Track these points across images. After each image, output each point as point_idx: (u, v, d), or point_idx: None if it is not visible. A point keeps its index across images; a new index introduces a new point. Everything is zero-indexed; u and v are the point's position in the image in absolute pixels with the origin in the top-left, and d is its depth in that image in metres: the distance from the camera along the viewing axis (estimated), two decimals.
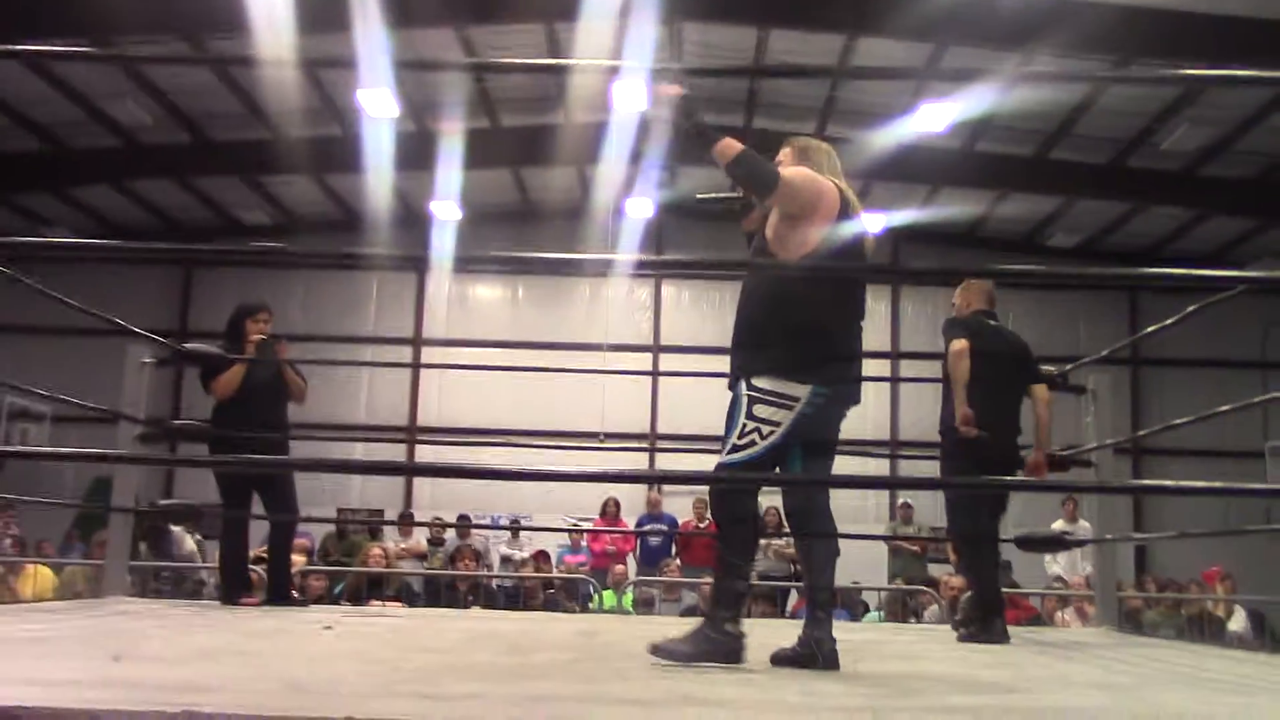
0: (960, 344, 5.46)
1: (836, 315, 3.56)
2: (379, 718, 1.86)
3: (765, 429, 3.42)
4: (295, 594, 6.42)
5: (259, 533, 6.91)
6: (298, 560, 8.02)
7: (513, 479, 3.59)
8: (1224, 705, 2.95)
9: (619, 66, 11.60)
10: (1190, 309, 4.40)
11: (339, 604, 8.00)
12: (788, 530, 3.81)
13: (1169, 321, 4.61)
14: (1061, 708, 2.74)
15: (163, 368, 5.98)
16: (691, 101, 3.50)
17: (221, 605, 5.88)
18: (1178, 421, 4.53)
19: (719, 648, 3.37)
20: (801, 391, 3.43)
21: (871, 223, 4.21)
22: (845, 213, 3.57)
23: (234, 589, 5.91)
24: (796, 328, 3.46)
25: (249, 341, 5.96)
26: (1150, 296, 16.07)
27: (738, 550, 3.52)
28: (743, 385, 3.49)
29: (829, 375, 3.48)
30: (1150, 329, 5.41)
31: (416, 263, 17.30)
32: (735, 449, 3.45)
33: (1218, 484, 4.37)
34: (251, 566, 6.71)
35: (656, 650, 3.37)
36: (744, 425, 3.44)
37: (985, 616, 5.36)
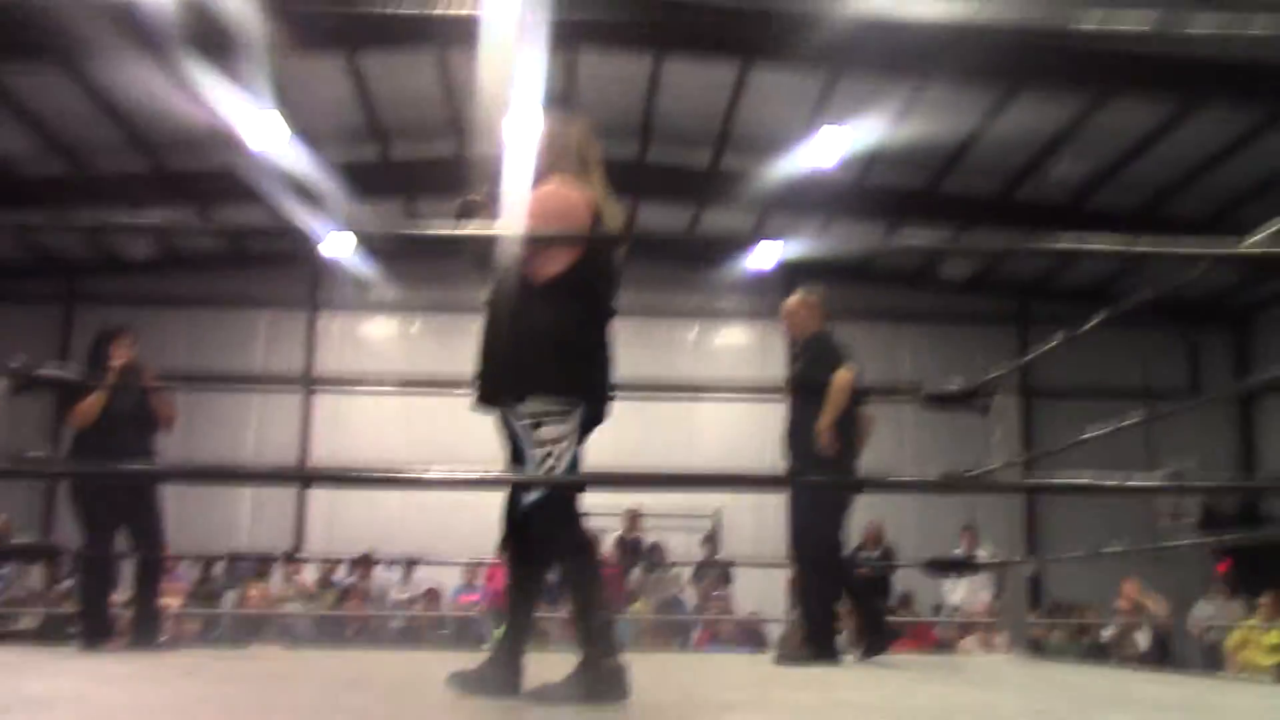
0: (850, 375, 5.54)
1: (591, 334, 3.47)
2: None
3: (558, 448, 3.30)
4: (164, 637, 6.01)
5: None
6: (170, 603, 7.57)
7: (419, 487, 3.33)
8: None
9: (512, 97, 11.44)
10: (1096, 319, 4.30)
11: (215, 648, 7.54)
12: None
13: (1061, 339, 4.50)
14: None
15: (17, 395, 5.56)
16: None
17: (81, 650, 5.44)
18: (1084, 437, 4.44)
19: (605, 687, 3.15)
20: (568, 403, 3.34)
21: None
22: (597, 226, 3.50)
23: (94, 632, 5.48)
24: (557, 348, 3.35)
25: (110, 367, 5.58)
26: (1038, 330, 16.29)
27: (590, 579, 3.32)
28: (515, 411, 3.35)
29: (589, 395, 3.41)
30: (1046, 345, 5.31)
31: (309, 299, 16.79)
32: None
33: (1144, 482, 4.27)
34: (119, 610, 6.28)
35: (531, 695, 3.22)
36: (535, 456, 3.30)
37: (819, 637, 5.37)
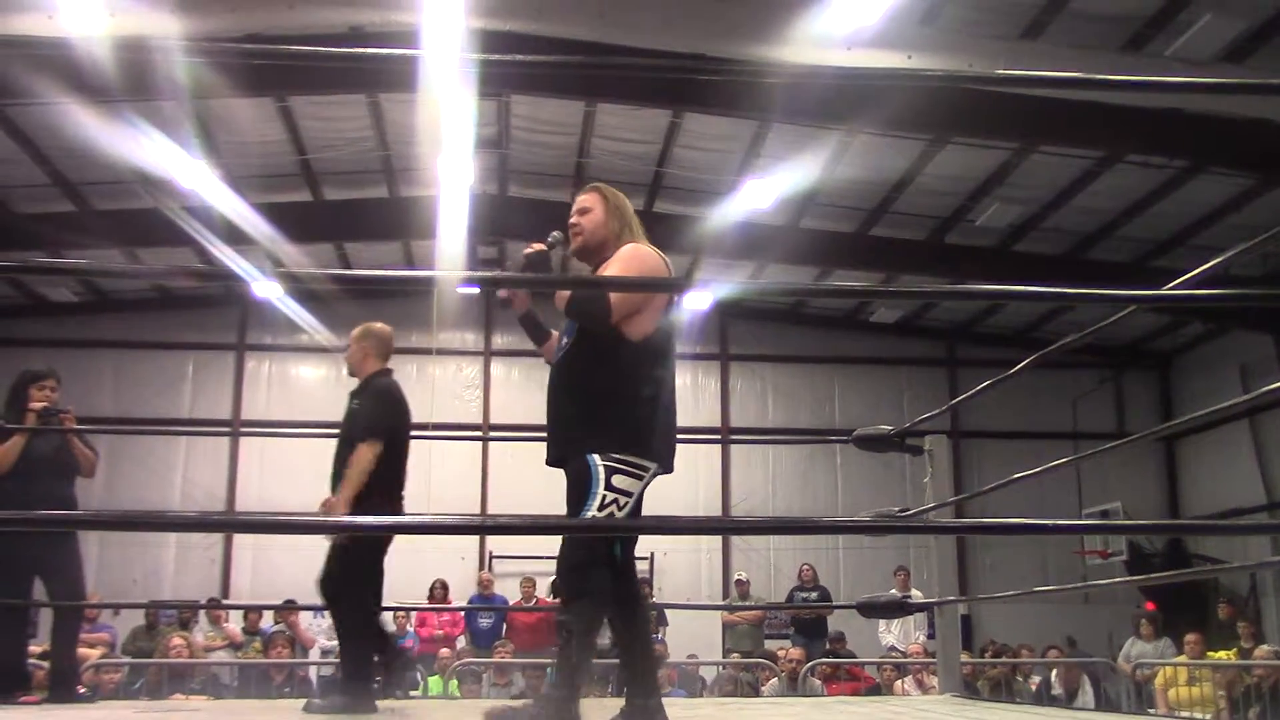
0: (375, 451, 5.06)
1: (669, 393, 3.58)
2: None
3: (623, 499, 3.37)
4: (83, 689, 5.83)
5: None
6: (90, 654, 7.36)
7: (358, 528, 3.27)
8: None
9: (445, 141, 11.43)
10: (1024, 363, 4.33)
11: (136, 700, 7.33)
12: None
13: (990, 383, 4.52)
14: None
15: None
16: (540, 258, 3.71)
17: None
18: (1015, 476, 4.46)
19: None
20: (650, 464, 3.44)
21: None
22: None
23: (8, 685, 5.29)
24: (646, 403, 3.47)
25: (30, 410, 5.44)
26: (967, 372, 16.53)
27: (592, 627, 3.41)
28: (594, 457, 3.40)
29: (664, 453, 3.52)
30: (976, 389, 5.32)
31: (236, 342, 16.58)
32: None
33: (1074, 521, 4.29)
34: (37, 662, 6.09)
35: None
36: (603, 497, 3.35)
37: (354, 682, 4.91)
